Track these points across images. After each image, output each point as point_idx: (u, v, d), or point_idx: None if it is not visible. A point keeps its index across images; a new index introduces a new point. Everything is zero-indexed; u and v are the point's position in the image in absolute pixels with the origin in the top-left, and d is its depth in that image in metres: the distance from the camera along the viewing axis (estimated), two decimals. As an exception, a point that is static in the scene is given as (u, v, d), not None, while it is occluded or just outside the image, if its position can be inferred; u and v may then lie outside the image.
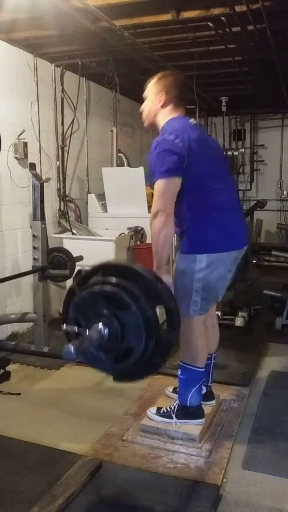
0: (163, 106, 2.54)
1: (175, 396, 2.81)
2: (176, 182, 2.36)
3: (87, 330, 1.83)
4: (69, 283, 4.76)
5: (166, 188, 2.36)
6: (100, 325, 1.83)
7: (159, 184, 2.36)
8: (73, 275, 4.30)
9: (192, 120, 2.60)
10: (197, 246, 2.46)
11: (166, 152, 2.34)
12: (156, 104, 2.54)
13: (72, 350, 1.70)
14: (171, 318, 1.92)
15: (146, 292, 1.86)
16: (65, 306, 2.03)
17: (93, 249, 4.57)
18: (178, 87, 2.58)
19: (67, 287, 4.83)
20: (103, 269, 1.98)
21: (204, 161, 2.44)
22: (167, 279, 2.43)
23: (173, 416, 2.65)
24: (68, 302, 2.01)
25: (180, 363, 2.63)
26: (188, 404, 2.62)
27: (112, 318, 1.85)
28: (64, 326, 1.94)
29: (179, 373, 2.64)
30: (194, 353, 2.58)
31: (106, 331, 1.83)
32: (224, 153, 7.52)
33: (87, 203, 5.44)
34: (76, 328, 1.89)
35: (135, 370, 1.95)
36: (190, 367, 2.59)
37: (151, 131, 7.37)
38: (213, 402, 2.89)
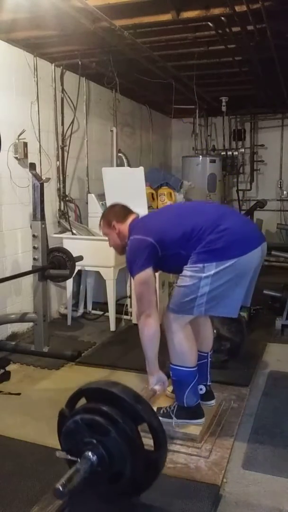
0: (119, 228, 2.79)
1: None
2: (149, 272, 2.54)
3: (78, 459, 1.90)
4: (69, 283, 4.78)
5: (142, 287, 2.54)
6: (89, 453, 1.90)
7: (135, 282, 2.58)
8: (73, 275, 4.31)
9: (141, 215, 2.89)
10: (205, 257, 2.45)
11: (135, 251, 2.57)
12: (114, 232, 2.81)
13: (61, 489, 1.76)
14: (156, 435, 1.96)
15: (127, 414, 1.93)
16: (58, 431, 2.12)
17: (93, 249, 4.57)
18: (117, 210, 2.88)
19: (67, 287, 4.85)
20: (86, 392, 2.08)
21: (170, 222, 2.62)
22: (160, 376, 2.63)
23: (173, 416, 2.65)
24: (60, 426, 2.11)
25: (170, 365, 2.63)
26: (185, 405, 2.62)
27: (98, 444, 1.91)
28: (58, 453, 2.03)
29: (171, 375, 2.65)
30: (181, 354, 2.57)
31: (94, 458, 1.89)
32: (224, 153, 7.55)
33: (87, 203, 5.44)
34: (68, 456, 1.97)
35: (129, 491, 2.01)
36: (180, 368, 2.58)
37: (151, 131, 7.39)
38: (213, 402, 2.89)
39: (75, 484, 1.80)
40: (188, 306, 2.50)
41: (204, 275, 2.42)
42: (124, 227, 2.77)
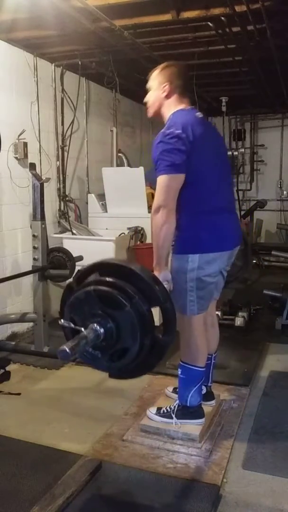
0: (167, 96, 2.51)
1: (175, 396, 2.81)
2: (180, 178, 2.34)
3: (83, 329, 1.83)
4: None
5: (170, 184, 2.33)
6: (95, 325, 1.83)
7: (163, 179, 2.33)
8: (73, 275, 4.31)
9: (198, 114, 2.58)
10: (189, 247, 2.46)
11: (171, 147, 2.31)
12: (160, 94, 2.51)
13: (68, 350, 1.71)
14: (167, 319, 1.91)
15: (142, 293, 1.86)
16: (62, 303, 2.03)
17: (93, 249, 4.57)
18: (182, 77, 2.54)
19: (67, 287, 4.84)
20: (100, 267, 1.98)
21: (204, 161, 2.43)
22: (167, 274, 2.45)
23: (173, 416, 2.65)
24: (65, 298, 2.01)
25: (180, 362, 2.63)
26: (188, 404, 2.62)
27: (107, 318, 1.84)
28: (61, 321, 1.94)
29: (179, 372, 2.64)
30: (194, 352, 2.58)
31: (101, 331, 1.83)
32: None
33: (87, 203, 5.44)
34: (72, 324, 1.88)
35: (131, 369, 1.95)
36: (190, 366, 2.59)
37: (151, 131, 7.37)
38: (213, 402, 2.89)
39: (80, 349, 1.75)
40: (182, 302, 2.51)
41: (189, 267, 2.44)
42: (173, 102, 2.49)
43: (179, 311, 2.53)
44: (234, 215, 2.72)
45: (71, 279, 2.05)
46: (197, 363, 2.58)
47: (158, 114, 2.58)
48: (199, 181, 2.42)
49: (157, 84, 2.54)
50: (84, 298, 1.89)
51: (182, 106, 2.52)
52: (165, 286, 2.37)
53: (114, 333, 1.84)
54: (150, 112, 2.61)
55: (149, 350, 1.88)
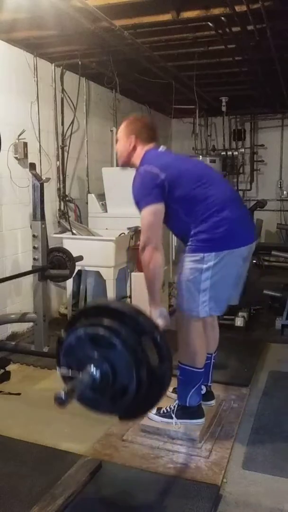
0: (135, 147, 2.63)
1: (175, 396, 2.80)
2: (160, 207, 2.44)
3: (80, 373, 1.85)
4: (69, 283, 4.78)
5: (151, 216, 2.43)
6: (91, 367, 1.85)
7: (144, 213, 2.45)
8: (73, 275, 4.31)
9: (162, 148, 2.71)
10: (204, 246, 2.45)
11: (146, 182, 2.45)
12: (128, 145, 2.64)
13: (63, 395, 1.71)
14: (159, 348, 1.92)
15: (129, 328, 1.89)
16: (57, 354, 2.05)
17: (93, 249, 4.57)
18: (147, 128, 2.68)
19: (67, 287, 4.85)
20: (86, 312, 2.03)
21: (188, 175, 2.52)
22: (162, 310, 2.49)
23: (173, 416, 2.65)
24: (58, 349, 2.04)
25: (179, 364, 2.62)
26: (187, 405, 2.62)
27: (101, 359, 1.86)
28: (58, 371, 1.97)
29: (178, 374, 2.63)
30: (193, 354, 2.57)
31: (97, 372, 1.84)
32: (224, 153, 7.54)
33: (87, 203, 5.44)
34: (69, 371, 1.90)
35: (137, 406, 1.95)
36: (188, 368, 2.58)
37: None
38: (213, 402, 2.90)
39: (77, 393, 1.76)
40: (194, 303, 2.49)
41: (204, 266, 2.43)
42: (140, 150, 2.62)
43: (185, 312, 2.53)
44: (244, 209, 2.71)
45: (60, 331, 2.07)
46: (196, 364, 2.58)
47: (128, 163, 2.70)
48: (195, 192, 2.46)
49: (125, 136, 2.66)
50: (75, 342, 1.92)
51: (149, 147, 2.64)
52: (162, 322, 2.42)
53: (110, 373, 1.85)
54: (121, 162, 2.74)
55: (149, 382, 1.89)
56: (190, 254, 2.49)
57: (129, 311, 1.92)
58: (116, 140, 2.75)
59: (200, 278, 2.45)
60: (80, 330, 1.91)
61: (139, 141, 2.62)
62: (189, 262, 2.48)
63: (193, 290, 2.47)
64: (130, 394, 1.84)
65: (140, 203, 2.46)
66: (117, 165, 5.73)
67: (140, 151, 2.62)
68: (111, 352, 1.83)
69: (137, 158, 2.62)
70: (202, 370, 2.62)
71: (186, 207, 2.47)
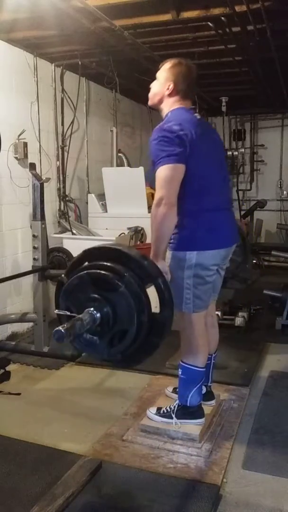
0: (170, 95, 2.51)
1: (175, 396, 2.81)
2: (181, 169, 2.32)
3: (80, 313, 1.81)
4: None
5: (171, 174, 2.30)
6: (91, 309, 1.80)
7: (164, 170, 2.30)
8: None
9: (197, 115, 2.59)
10: (187, 244, 2.46)
11: (171, 139, 2.30)
12: (163, 90, 2.52)
13: (63, 330, 1.67)
14: (162, 294, 1.88)
15: (133, 271, 1.84)
16: (56, 298, 2.01)
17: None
18: (188, 80, 2.53)
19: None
20: (89, 254, 1.97)
21: (201, 160, 2.42)
22: (164, 265, 2.40)
23: (173, 416, 2.65)
24: (58, 293, 1.99)
25: (181, 362, 2.62)
26: (188, 404, 2.62)
27: (102, 301, 1.82)
28: (56, 311, 1.92)
29: (180, 373, 2.63)
30: (195, 352, 2.58)
31: (97, 315, 1.80)
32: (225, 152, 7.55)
33: (87, 203, 5.44)
34: (67, 312, 1.86)
35: (133, 353, 1.91)
36: (190, 367, 2.58)
37: (151, 131, 7.37)
38: (213, 402, 2.89)
39: (76, 331, 1.72)
40: (178, 299, 2.48)
41: (186, 265, 2.44)
42: (173, 101, 2.49)
43: (178, 309, 2.53)
44: (230, 213, 2.71)
45: (62, 275, 2.02)
46: (198, 363, 2.58)
47: (157, 107, 2.60)
48: (196, 179, 2.41)
49: (163, 79, 2.54)
50: (77, 283, 1.86)
51: (181, 106, 2.53)
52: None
53: (111, 316, 1.81)
54: (150, 102, 2.62)
55: (149, 329, 1.85)
56: (173, 251, 2.48)
57: (134, 254, 1.88)
58: (156, 77, 2.60)
59: (182, 275, 2.46)
60: (82, 272, 1.86)
61: (175, 91, 2.49)
62: (172, 259, 2.49)
63: (177, 287, 2.47)
64: (129, 339, 1.82)
65: (159, 158, 2.30)
66: (116, 165, 5.75)
67: (173, 102, 2.50)
68: (113, 295, 1.80)
69: (167, 107, 2.51)
70: (204, 369, 2.62)
71: (183, 191, 2.37)
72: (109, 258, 1.88)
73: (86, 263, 1.95)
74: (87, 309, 1.81)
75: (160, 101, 2.56)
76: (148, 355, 1.95)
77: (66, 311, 1.87)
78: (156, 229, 2.36)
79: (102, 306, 1.81)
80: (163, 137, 2.33)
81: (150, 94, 2.61)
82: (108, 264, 1.84)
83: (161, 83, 2.54)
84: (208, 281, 2.53)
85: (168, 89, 2.51)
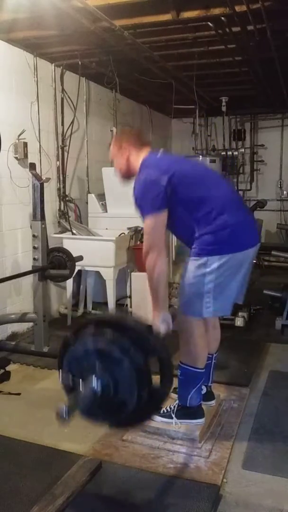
0: (129, 155, 2.61)
1: (175, 396, 2.80)
2: (163, 215, 2.43)
3: (81, 384, 1.85)
4: (69, 283, 4.78)
5: (154, 224, 2.43)
6: (94, 380, 1.85)
7: (147, 221, 2.44)
8: (73, 275, 4.31)
9: (159, 152, 2.69)
10: (207, 249, 2.44)
11: (147, 189, 2.43)
12: (124, 158, 2.63)
13: (65, 411, 1.72)
14: (164, 368, 1.93)
15: (138, 345, 1.89)
16: (60, 356, 2.06)
17: (93, 249, 4.57)
18: (136, 136, 2.70)
19: (67, 287, 4.85)
20: (96, 322, 2.03)
21: (190, 177, 2.52)
22: (166, 315, 2.46)
23: (173, 416, 2.65)
24: (63, 351, 2.04)
25: (180, 364, 2.62)
26: (188, 405, 2.62)
27: (105, 372, 1.86)
28: (60, 376, 1.97)
29: (179, 373, 2.63)
30: (194, 354, 2.57)
31: (99, 386, 1.84)
32: (224, 153, 7.55)
33: (87, 203, 5.44)
34: (70, 379, 1.91)
35: (129, 420, 1.97)
36: (189, 368, 2.58)
37: (151, 131, 7.38)
38: (213, 402, 2.89)
39: (77, 409, 1.76)
40: (196, 305, 2.48)
41: (208, 270, 2.42)
42: (136, 157, 2.59)
43: (187, 314, 2.53)
44: (246, 211, 2.71)
45: (68, 334, 2.06)
46: (197, 364, 2.58)
47: (129, 175, 2.67)
48: (197, 193, 2.46)
49: (117, 152, 2.66)
50: (82, 352, 1.92)
51: (145, 153, 2.61)
52: (164, 327, 2.40)
53: (112, 388, 1.85)
54: (120, 178, 2.73)
55: (147, 401, 1.90)
56: (194, 257, 2.48)
57: (140, 328, 1.93)
58: (111, 161, 2.74)
59: (203, 281, 2.44)
60: (89, 340, 1.90)
61: (133, 148, 2.61)
62: (192, 265, 2.47)
63: (197, 293, 2.47)
64: (127, 410, 1.86)
65: (143, 210, 2.45)
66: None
67: (137, 157, 2.59)
68: (116, 368, 1.84)
69: (135, 166, 2.60)
70: (203, 370, 2.62)
71: (189, 210, 2.46)
72: (116, 329, 1.92)
73: (93, 330, 1.99)
74: (89, 380, 1.85)
75: (128, 167, 2.64)
76: (141, 423, 2.03)
77: (69, 377, 1.93)
78: (150, 279, 2.45)
79: (104, 378, 1.86)
80: (142, 188, 2.45)
81: (118, 173, 2.72)
82: (113, 336, 1.89)
83: (119, 154, 2.65)
84: (230, 285, 2.49)
85: (124, 152, 2.61)
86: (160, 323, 2.40)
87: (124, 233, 4.80)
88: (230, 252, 2.43)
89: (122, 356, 1.83)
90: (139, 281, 4.44)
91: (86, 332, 1.97)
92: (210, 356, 2.80)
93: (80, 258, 4.32)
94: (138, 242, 4.87)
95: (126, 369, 1.83)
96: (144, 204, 2.44)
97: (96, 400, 1.84)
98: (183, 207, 2.46)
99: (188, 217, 2.47)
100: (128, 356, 1.83)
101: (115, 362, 1.84)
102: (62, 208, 5.09)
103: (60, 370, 1.97)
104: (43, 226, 3.84)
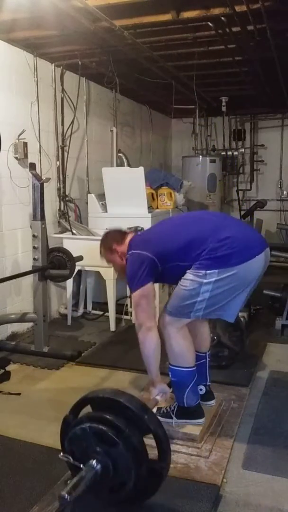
0: (121, 253, 2.73)
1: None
2: (149, 287, 2.52)
3: (82, 466, 1.89)
4: (69, 283, 4.78)
5: (142, 300, 2.51)
6: (93, 462, 1.89)
7: (135, 296, 2.54)
8: (73, 275, 4.31)
9: (140, 231, 2.86)
10: (207, 264, 2.43)
11: (135, 264, 2.53)
12: (117, 257, 2.76)
13: (67, 498, 1.75)
14: (161, 445, 1.96)
15: (133, 424, 1.93)
16: (61, 434, 2.12)
17: (93, 249, 4.55)
18: (115, 234, 2.83)
19: (67, 287, 4.85)
20: (92, 401, 2.07)
21: (169, 233, 2.64)
22: (162, 387, 2.59)
23: (173, 416, 2.65)
24: (63, 430, 2.11)
25: (169, 366, 2.62)
26: (185, 405, 2.62)
27: (103, 454, 1.91)
28: (61, 455, 2.02)
29: (170, 376, 2.64)
30: (179, 354, 2.58)
31: (98, 468, 1.89)
32: (224, 153, 7.55)
33: (87, 203, 5.44)
34: (71, 459, 1.95)
35: (132, 498, 2.00)
36: (178, 368, 2.59)
37: (151, 131, 7.38)
38: (213, 402, 2.89)
39: (79, 492, 1.81)
40: (186, 310, 2.50)
41: (205, 281, 2.42)
42: (124, 247, 2.72)
43: (174, 316, 2.55)
44: (242, 225, 2.79)
45: (67, 413, 2.13)
46: (185, 364, 2.58)
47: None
48: (189, 244, 2.50)
49: (110, 256, 2.81)
50: (81, 434, 1.97)
51: (128, 239, 2.74)
52: (161, 398, 2.56)
53: (111, 469, 1.90)
54: (122, 276, 2.82)
55: (147, 479, 1.94)
56: (192, 270, 2.47)
57: (135, 407, 1.96)
58: (108, 265, 2.90)
59: (198, 290, 2.44)
60: (85, 422, 1.97)
61: (120, 244, 2.74)
62: (190, 274, 2.47)
63: (190, 299, 2.47)
64: (128, 489, 1.91)
65: (131, 285, 2.56)
66: (116, 165, 5.75)
67: (125, 248, 2.71)
68: (113, 449, 1.89)
69: (124, 251, 2.71)
70: (193, 368, 2.61)
71: (183, 256, 2.49)
72: (111, 409, 1.97)
73: (91, 410, 2.06)
74: (89, 463, 1.89)
75: (123, 264, 2.71)
76: (145, 499, 2.04)
77: (69, 457, 1.97)
78: (143, 353, 2.55)
79: (103, 459, 1.90)
80: (131, 264, 2.56)
81: (118, 272, 2.94)
82: (109, 417, 1.94)
83: (113, 257, 2.79)
84: (225, 298, 2.48)
85: (116, 252, 2.76)
86: (158, 396, 2.57)
87: (124, 233, 4.79)
88: (231, 266, 2.41)
89: (116, 440, 1.89)
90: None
91: (83, 416, 2.04)
92: (203, 355, 2.81)
93: (80, 258, 4.32)
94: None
95: (121, 452, 1.89)
96: (132, 278, 2.54)
97: (98, 481, 1.90)
98: (175, 260, 2.51)
99: (179, 264, 2.51)
100: (123, 438, 1.89)
101: (111, 444, 1.90)
102: (62, 208, 5.09)
103: (63, 453, 2.05)
104: (43, 226, 3.84)
